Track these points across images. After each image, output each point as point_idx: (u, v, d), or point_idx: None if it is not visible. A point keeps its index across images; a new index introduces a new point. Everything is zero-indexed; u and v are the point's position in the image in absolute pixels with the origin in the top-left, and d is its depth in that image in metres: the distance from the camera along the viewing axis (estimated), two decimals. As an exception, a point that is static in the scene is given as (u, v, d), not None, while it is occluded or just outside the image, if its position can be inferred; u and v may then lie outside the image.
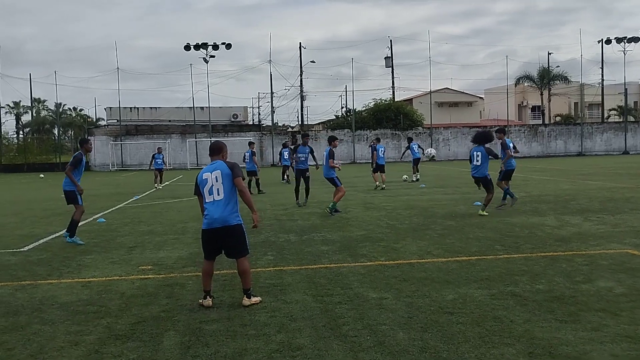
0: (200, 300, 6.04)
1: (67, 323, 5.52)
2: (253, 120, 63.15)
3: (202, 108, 52.76)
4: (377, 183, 20.93)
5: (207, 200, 6.00)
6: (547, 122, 62.35)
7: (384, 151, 21.99)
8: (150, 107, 56.16)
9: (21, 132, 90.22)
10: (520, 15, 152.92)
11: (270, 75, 53.65)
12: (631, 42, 56.04)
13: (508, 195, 13.54)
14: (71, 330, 5.30)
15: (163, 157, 25.82)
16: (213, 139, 45.90)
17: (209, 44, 50.35)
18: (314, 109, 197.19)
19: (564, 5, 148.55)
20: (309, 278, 7.13)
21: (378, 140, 22.72)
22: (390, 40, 60.44)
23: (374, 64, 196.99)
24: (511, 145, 14.18)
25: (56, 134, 69.11)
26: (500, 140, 14.00)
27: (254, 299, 6.03)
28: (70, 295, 6.62)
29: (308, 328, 5.16)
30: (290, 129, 68.01)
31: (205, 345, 4.81)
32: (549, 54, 61.03)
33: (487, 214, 12.31)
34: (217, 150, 6.26)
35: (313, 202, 16.55)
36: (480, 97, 75.86)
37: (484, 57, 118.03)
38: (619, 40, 56.15)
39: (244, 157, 21.23)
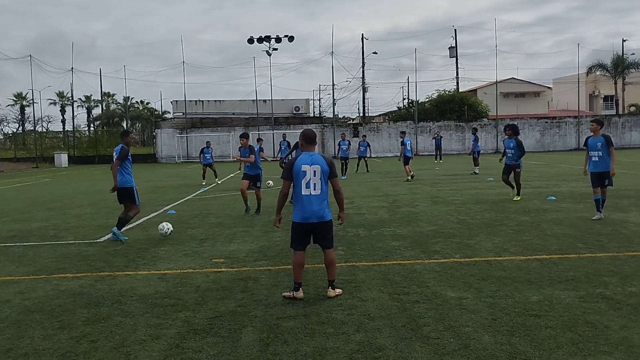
0: (288, 293, 6.07)
1: (146, 316, 5.59)
2: (314, 112, 63.33)
3: (264, 101, 53.25)
4: (412, 174, 21.62)
5: (303, 193, 6.01)
6: (620, 112, 59.49)
7: (411, 144, 22.68)
8: (215, 100, 57.20)
9: (92, 125, 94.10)
10: (591, 0, 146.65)
11: (332, 67, 53.71)
12: None
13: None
14: (151, 323, 5.36)
15: (212, 152, 25.24)
16: (276, 132, 46.34)
17: (271, 36, 50.71)
18: (375, 100, 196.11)
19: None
20: (383, 275, 6.97)
21: (404, 133, 23.32)
22: (455, 30, 59.23)
23: (436, 54, 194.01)
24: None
25: (125, 126, 71.57)
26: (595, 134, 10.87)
27: (338, 291, 6.13)
28: (147, 287, 6.72)
29: (387, 328, 5.01)
30: (351, 121, 67.84)
31: (284, 342, 4.74)
32: (623, 40, 57.91)
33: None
34: (313, 139, 6.27)
35: (378, 195, 16.36)
36: (548, 87, 73.27)
37: (550, 46, 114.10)
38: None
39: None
